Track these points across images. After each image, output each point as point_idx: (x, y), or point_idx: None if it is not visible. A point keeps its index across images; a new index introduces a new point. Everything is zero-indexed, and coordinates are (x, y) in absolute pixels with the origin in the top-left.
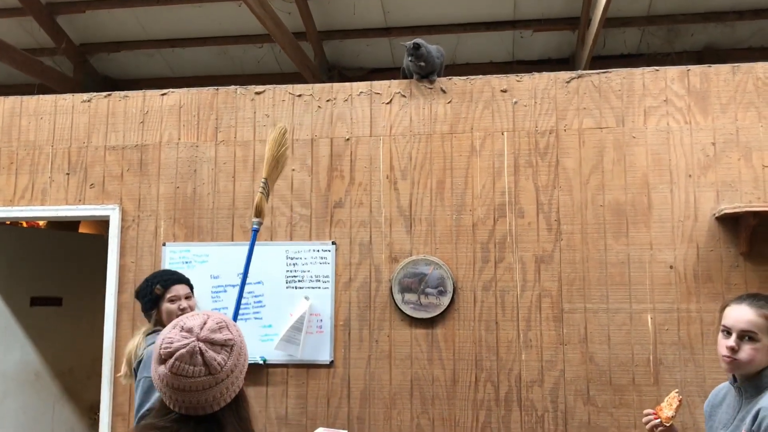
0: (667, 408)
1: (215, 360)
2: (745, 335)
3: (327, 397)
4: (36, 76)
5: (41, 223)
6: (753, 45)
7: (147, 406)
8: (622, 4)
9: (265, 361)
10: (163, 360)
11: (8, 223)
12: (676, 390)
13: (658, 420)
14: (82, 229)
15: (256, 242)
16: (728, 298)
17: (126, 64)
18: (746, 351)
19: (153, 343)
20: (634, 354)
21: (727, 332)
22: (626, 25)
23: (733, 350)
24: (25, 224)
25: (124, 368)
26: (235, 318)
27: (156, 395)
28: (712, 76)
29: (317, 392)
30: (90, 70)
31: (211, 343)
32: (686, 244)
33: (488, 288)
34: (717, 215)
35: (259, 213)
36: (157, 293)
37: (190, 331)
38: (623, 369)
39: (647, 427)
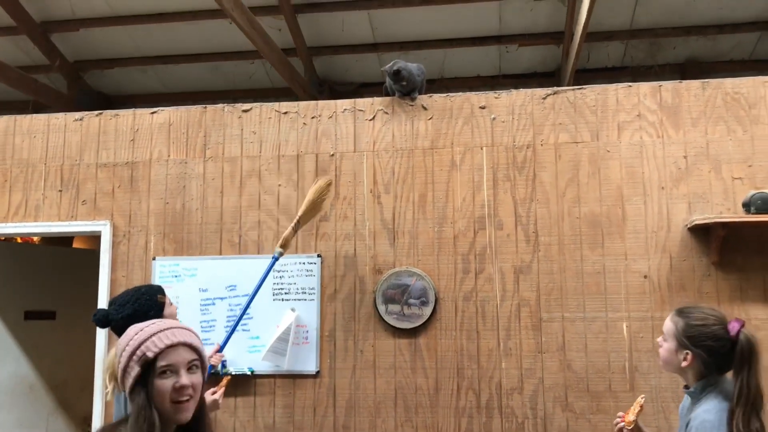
0: (631, 413)
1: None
2: (662, 336)
3: (313, 406)
4: (30, 94)
5: (35, 239)
6: (734, 58)
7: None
8: (604, 18)
9: (252, 371)
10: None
11: (2, 239)
12: (642, 396)
13: (623, 423)
14: (75, 245)
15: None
16: None
17: (120, 81)
18: (660, 349)
19: None
20: (610, 361)
21: None
22: (609, 39)
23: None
24: (19, 240)
25: (110, 384)
26: (231, 333)
27: None
28: (683, 92)
29: (304, 402)
30: (84, 87)
31: None
32: (660, 254)
33: (469, 298)
34: (689, 226)
35: (284, 245)
36: (161, 302)
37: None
38: (600, 376)
39: (615, 429)
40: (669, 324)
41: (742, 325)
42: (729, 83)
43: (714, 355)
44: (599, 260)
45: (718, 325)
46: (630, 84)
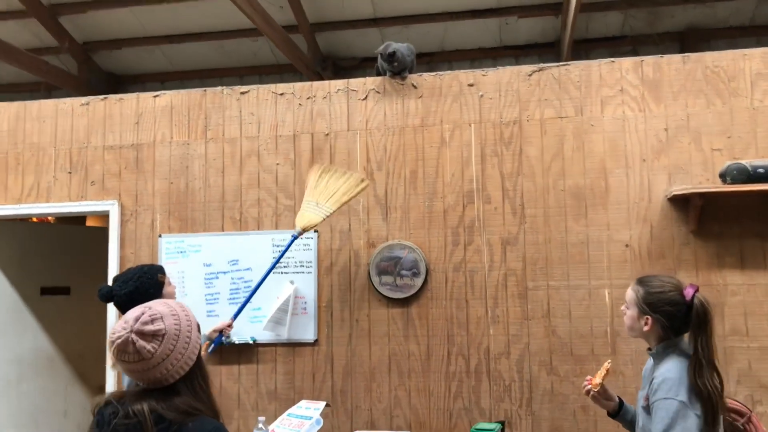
0: (598, 376)
1: (145, 348)
2: (624, 304)
3: (312, 372)
4: (42, 76)
5: (50, 218)
6: (733, 24)
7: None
8: None
9: (254, 340)
10: (108, 347)
11: (19, 219)
12: (608, 360)
13: (590, 386)
14: (89, 223)
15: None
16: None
17: (128, 60)
18: (625, 317)
19: None
20: (593, 327)
21: None
22: (608, 9)
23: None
24: (35, 219)
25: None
26: (243, 306)
27: None
28: (664, 66)
29: (303, 368)
30: (94, 67)
31: (142, 333)
32: (641, 224)
33: (458, 269)
34: (668, 197)
35: (306, 228)
36: (161, 281)
37: (127, 323)
38: (583, 341)
39: (583, 391)
40: (630, 293)
41: (696, 290)
42: (709, 57)
43: (672, 319)
44: (583, 231)
45: (674, 291)
46: (613, 60)
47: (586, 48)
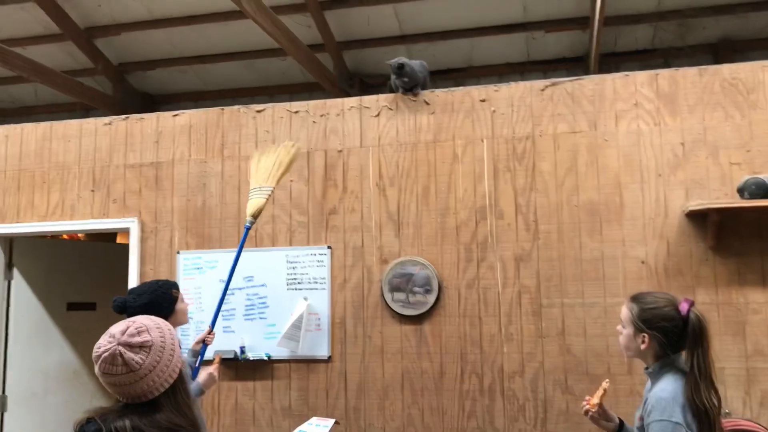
0: (596, 396)
1: (133, 360)
2: (621, 324)
3: (326, 389)
4: (77, 97)
5: (81, 235)
6: None
7: None
8: (631, 1)
9: (269, 357)
10: (95, 362)
11: (48, 237)
12: (606, 380)
13: (588, 406)
14: (119, 240)
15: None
16: None
17: (161, 81)
18: (620, 336)
19: None
20: (608, 345)
21: None
22: (637, 22)
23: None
24: (65, 237)
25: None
26: (218, 310)
27: None
28: (679, 79)
29: (317, 385)
30: (128, 88)
31: (129, 345)
32: (657, 240)
33: (471, 286)
34: (685, 212)
35: (255, 214)
36: (175, 296)
37: (113, 336)
38: (599, 359)
39: (582, 411)
40: (625, 311)
41: (692, 305)
42: (726, 69)
43: (668, 335)
44: (597, 247)
45: (669, 306)
46: (627, 73)
47: (615, 62)
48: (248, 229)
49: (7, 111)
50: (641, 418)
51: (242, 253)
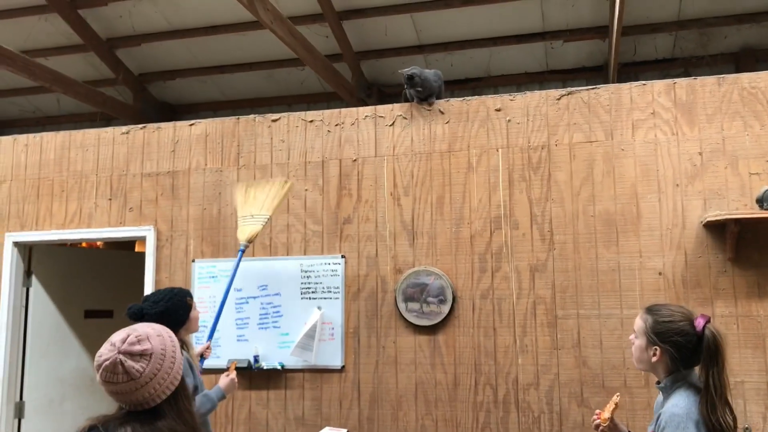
0: (606, 410)
1: (134, 368)
2: (633, 334)
3: (339, 399)
4: (98, 107)
5: (99, 243)
6: None
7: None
8: (650, 10)
9: (283, 366)
10: (96, 370)
11: (68, 245)
12: (617, 394)
13: (599, 420)
14: (138, 249)
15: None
16: None
17: (181, 91)
18: (633, 347)
19: None
20: (625, 357)
21: None
22: (657, 31)
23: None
24: (85, 245)
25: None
26: (216, 320)
27: (207, 394)
28: (698, 88)
29: (330, 395)
30: (149, 98)
31: (130, 354)
32: (674, 251)
33: (486, 296)
34: (703, 223)
35: (251, 239)
36: (189, 304)
37: (113, 345)
38: (615, 372)
39: (593, 425)
40: (639, 322)
41: (708, 321)
42: (746, 78)
43: (681, 350)
44: (614, 258)
45: (685, 321)
46: (644, 83)
47: (635, 71)
48: (243, 251)
49: (30, 120)
50: None
51: (257, 262)
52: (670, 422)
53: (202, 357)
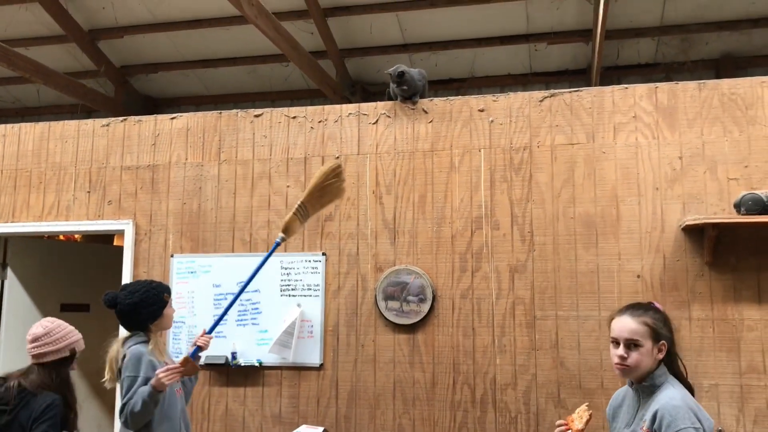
0: (578, 420)
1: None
2: (630, 343)
3: (317, 397)
4: (79, 98)
5: (77, 236)
6: None
7: (127, 400)
8: (634, 15)
9: (261, 363)
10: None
11: (46, 237)
12: (587, 404)
13: (569, 431)
14: (116, 243)
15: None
16: (613, 311)
17: (164, 84)
18: (633, 357)
19: (132, 345)
20: (602, 359)
21: (616, 343)
22: (640, 36)
23: (623, 359)
24: (62, 238)
25: (107, 374)
26: (225, 312)
27: (138, 391)
28: (679, 93)
29: (308, 393)
30: (131, 91)
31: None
32: (653, 254)
33: (465, 296)
34: (682, 227)
35: (286, 230)
36: (166, 300)
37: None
38: (592, 373)
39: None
40: (635, 326)
41: None
42: (726, 84)
43: (672, 333)
44: (593, 260)
45: (655, 308)
46: (626, 86)
47: (618, 75)
48: (277, 244)
49: (9, 111)
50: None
51: (236, 258)
52: (676, 415)
53: (199, 347)
